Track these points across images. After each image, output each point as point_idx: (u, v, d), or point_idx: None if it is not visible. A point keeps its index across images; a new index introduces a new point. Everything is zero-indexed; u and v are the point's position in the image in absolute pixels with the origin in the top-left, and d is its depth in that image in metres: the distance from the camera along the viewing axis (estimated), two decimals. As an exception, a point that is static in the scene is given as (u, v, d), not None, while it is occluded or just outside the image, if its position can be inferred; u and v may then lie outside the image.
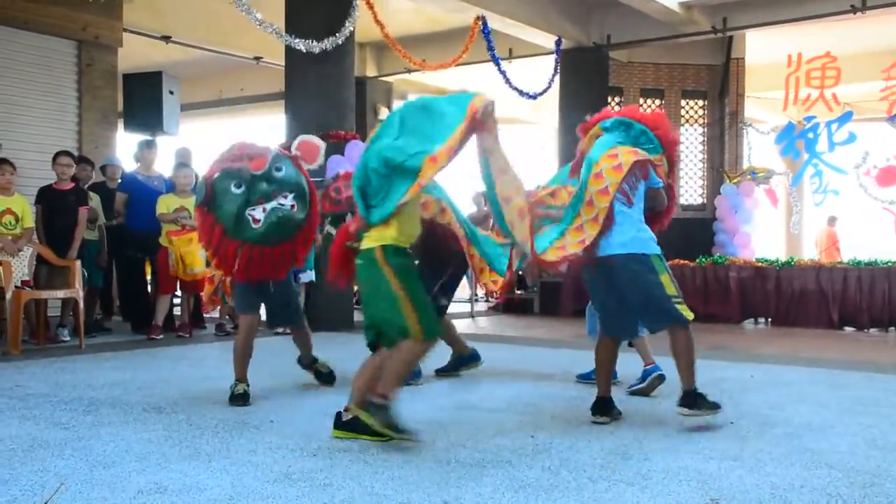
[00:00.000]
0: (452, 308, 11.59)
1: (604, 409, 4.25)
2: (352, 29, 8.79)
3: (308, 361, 5.33)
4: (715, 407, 4.12)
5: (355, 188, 3.76)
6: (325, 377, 5.30)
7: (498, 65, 11.66)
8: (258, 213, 4.39)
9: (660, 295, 4.08)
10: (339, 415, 3.88)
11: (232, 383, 4.70)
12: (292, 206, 4.47)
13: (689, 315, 4.12)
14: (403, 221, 3.73)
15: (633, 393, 5.05)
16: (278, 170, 4.46)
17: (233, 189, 4.37)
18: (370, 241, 3.73)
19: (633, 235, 4.13)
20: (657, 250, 4.17)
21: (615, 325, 4.37)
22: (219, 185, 4.40)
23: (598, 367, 4.42)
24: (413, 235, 3.85)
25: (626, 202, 4.15)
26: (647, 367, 5.11)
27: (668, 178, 4.50)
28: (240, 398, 4.61)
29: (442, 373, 5.71)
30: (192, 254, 7.73)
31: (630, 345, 5.04)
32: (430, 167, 3.58)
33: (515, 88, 12.05)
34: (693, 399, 4.10)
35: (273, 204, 4.41)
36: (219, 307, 8.45)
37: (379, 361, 3.84)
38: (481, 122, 3.65)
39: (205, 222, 4.50)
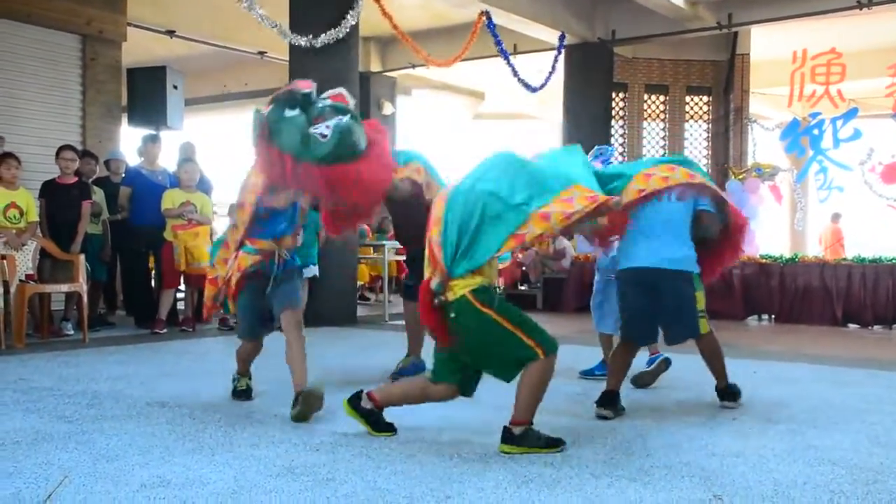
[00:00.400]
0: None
1: (610, 402, 4.27)
2: (353, 22, 8.77)
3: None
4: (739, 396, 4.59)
5: (451, 237, 3.43)
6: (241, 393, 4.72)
7: (506, 58, 11.64)
8: (322, 129, 4.01)
9: (690, 310, 4.37)
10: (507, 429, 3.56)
11: (234, 376, 4.70)
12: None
13: (705, 329, 4.41)
14: (491, 266, 3.52)
15: (638, 383, 5.11)
16: (324, 98, 4.23)
17: (288, 112, 4.03)
18: (459, 289, 3.45)
19: (686, 254, 4.37)
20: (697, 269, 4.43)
21: (640, 331, 4.49)
22: (272, 115, 4.04)
23: (613, 365, 4.47)
24: (494, 276, 3.59)
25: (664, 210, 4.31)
26: (653, 355, 5.28)
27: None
28: (242, 394, 4.61)
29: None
30: (199, 247, 7.75)
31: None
32: (539, 224, 3.37)
33: (522, 81, 12.04)
34: (732, 393, 4.56)
35: (333, 121, 4.04)
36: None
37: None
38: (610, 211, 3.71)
39: (270, 158, 4.04)
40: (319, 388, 4.14)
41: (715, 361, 4.53)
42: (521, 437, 3.50)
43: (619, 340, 4.59)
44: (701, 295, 4.39)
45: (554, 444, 3.55)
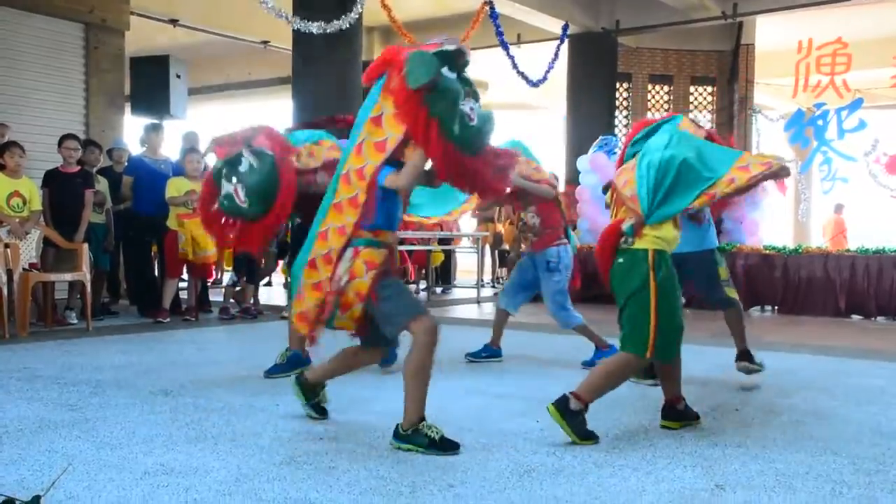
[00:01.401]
0: (459, 293, 11.59)
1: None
2: (360, 11, 8.76)
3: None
4: (761, 366, 4.94)
5: (648, 184, 3.67)
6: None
7: (506, 49, 11.61)
8: (468, 108, 3.39)
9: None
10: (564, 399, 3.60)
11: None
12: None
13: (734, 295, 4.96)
14: (672, 227, 3.75)
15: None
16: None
17: (448, 73, 3.34)
18: (645, 242, 3.66)
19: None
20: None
21: None
22: (433, 67, 3.29)
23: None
24: (674, 243, 3.81)
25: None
26: (494, 346, 5.71)
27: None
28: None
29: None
30: (205, 236, 7.72)
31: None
32: (726, 186, 3.72)
33: (521, 74, 12.00)
34: (748, 356, 4.94)
35: (476, 104, 3.45)
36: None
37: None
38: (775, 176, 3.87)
39: (419, 119, 3.28)
40: None
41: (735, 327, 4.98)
42: (574, 414, 3.53)
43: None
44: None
45: (588, 436, 3.52)
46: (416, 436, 3.33)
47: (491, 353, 5.74)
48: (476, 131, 3.38)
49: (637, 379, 4.62)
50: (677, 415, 3.84)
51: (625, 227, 3.69)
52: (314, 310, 3.49)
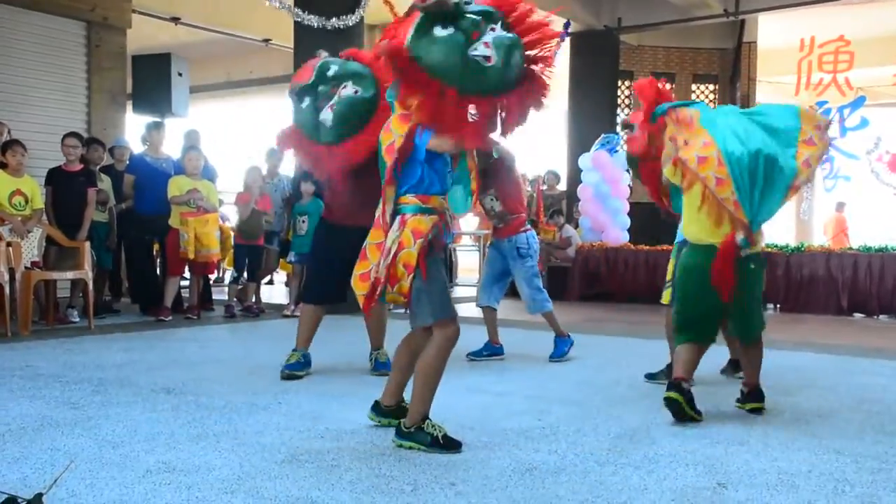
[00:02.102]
0: (461, 292, 11.59)
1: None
2: (364, 9, 8.75)
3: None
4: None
5: (747, 189, 3.77)
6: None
7: None
8: (481, 49, 3.12)
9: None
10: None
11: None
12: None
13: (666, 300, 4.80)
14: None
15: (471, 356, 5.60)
16: (467, 3, 3.25)
17: (439, 31, 3.13)
18: (758, 245, 3.96)
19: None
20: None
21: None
22: (419, 33, 3.15)
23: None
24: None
25: None
26: (494, 344, 5.74)
27: None
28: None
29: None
30: (209, 234, 7.75)
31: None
32: (805, 171, 3.83)
33: None
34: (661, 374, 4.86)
35: (491, 36, 3.16)
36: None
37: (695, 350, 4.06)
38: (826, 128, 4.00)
39: (429, 95, 3.14)
40: None
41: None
42: (758, 395, 4.13)
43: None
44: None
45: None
46: (418, 434, 3.33)
47: (492, 350, 5.75)
48: (499, 70, 3.14)
49: (729, 375, 5.00)
50: (761, 395, 4.18)
51: (739, 241, 3.85)
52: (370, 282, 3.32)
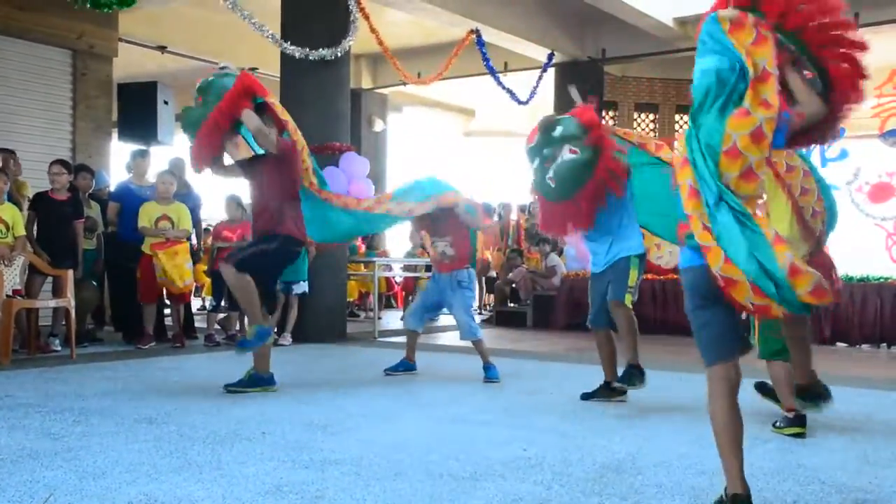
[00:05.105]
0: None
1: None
2: (352, 42, 8.83)
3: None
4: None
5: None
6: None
7: (494, 74, 11.74)
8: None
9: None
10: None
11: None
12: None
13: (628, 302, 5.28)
14: None
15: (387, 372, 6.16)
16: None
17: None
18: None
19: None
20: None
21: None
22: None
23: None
24: None
25: None
26: (410, 361, 6.32)
27: None
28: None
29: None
30: (179, 266, 7.71)
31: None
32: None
33: (510, 92, 12.17)
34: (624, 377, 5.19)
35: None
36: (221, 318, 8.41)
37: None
38: None
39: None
40: None
41: (626, 336, 5.18)
42: (800, 420, 4.32)
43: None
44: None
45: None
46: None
47: (406, 366, 6.33)
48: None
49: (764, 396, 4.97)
50: (803, 420, 4.38)
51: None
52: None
